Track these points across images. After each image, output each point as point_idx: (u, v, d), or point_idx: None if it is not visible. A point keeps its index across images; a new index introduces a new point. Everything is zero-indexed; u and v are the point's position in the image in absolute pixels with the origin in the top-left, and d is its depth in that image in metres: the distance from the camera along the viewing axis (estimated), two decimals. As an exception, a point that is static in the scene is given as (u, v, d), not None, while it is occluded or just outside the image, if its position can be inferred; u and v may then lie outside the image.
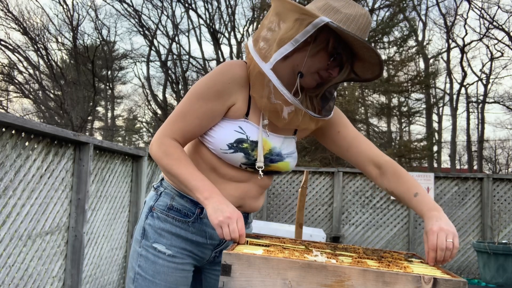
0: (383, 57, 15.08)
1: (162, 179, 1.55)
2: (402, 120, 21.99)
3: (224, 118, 1.41)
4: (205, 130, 1.42)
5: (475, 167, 23.57)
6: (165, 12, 23.11)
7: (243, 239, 1.27)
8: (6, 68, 21.10)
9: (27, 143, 2.93)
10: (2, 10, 19.62)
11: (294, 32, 1.27)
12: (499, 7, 22.45)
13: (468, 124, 23.41)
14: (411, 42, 17.58)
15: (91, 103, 22.30)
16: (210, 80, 1.38)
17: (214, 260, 1.57)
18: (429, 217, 1.31)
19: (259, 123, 1.43)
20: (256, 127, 1.42)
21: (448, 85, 23.02)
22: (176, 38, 23.45)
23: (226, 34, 22.07)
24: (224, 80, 1.36)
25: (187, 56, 23.48)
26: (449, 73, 22.56)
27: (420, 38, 20.88)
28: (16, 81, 21.51)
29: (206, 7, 21.81)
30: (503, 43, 21.87)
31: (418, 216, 7.42)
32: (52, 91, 21.86)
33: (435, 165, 22.01)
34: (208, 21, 22.10)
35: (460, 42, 22.56)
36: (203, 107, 1.36)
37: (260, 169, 1.42)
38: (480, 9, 22.21)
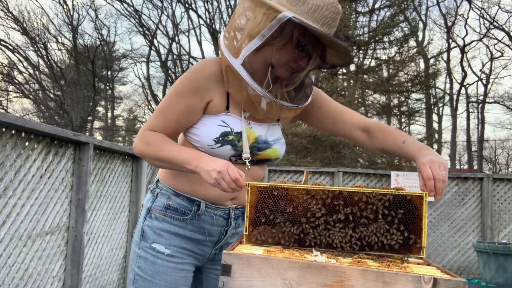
0: (384, 57, 15.07)
1: (158, 180, 1.57)
2: (402, 120, 21.98)
3: (205, 115, 1.44)
4: (185, 126, 1.45)
5: (475, 167, 23.57)
6: (165, 12, 23.14)
7: (241, 182, 1.28)
8: (6, 68, 21.10)
9: (27, 143, 2.93)
10: (2, 10, 19.61)
11: (261, 27, 1.31)
12: (499, 7, 22.44)
13: (468, 124, 23.43)
14: (412, 43, 17.60)
15: (91, 103, 22.30)
16: (186, 78, 1.42)
17: (215, 258, 1.57)
18: (419, 155, 1.33)
19: (241, 115, 1.46)
20: (238, 119, 1.45)
21: (448, 85, 23.05)
22: (176, 38, 23.47)
23: (226, 34, 22.05)
24: (200, 77, 1.41)
25: (187, 56, 23.50)
26: (449, 73, 22.56)
27: (420, 38, 20.88)
28: (16, 81, 21.52)
29: (206, 7, 21.85)
30: (503, 43, 21.88)
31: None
32: (52, 91, 21.86)
33: (435, 165, 21.93)
34: (208, 21, 22.11)
35: (460, 42, 22.58)
36: (181, 103, 1.40)
37: (246, 160, 1.45)
38: (480, 9, 22.23)
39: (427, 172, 1.25)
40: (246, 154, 1.44)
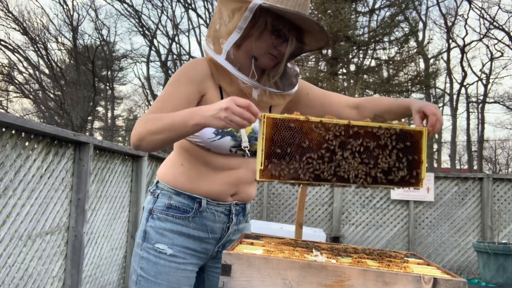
0: (384, 57, 15.07)
1: (157, 182, 1.58)
2: (402, 120, 21.96)
3: None
4: None
5: (475, 167, 23.57)
6: (165, 12, 23.13)
7: (254, 108, 1.22)
8: (6, 68, 21.10)
9: (27, 143, 2.93)
10: (2, 10, 19.62)
11: (236, 20, 1.39)
12: (499, 7, 22.46)
13: (468, 124, 23.42)
14: (412, 43, 17.58)
15: (91, 103, 22.29)
16: (181, 70, 1.48)
17: (217, 256, 1.59)
18: (415, 102, 1.41)
19: None
20: None
21: (448, 85, 23.03)
22: (176, 38, 23.48)
23: (226, 34, 22.05)
24: (194, 69, 1.46)
25: (187, 56, 23.50)
26: (449, 73, 22.55)
27: (420, 38, 20.87)
28: (16, 81, 21.52)
29: (206, 7, 21.84)
30: (503, 43, 21.89)
31: (418, 216, 7.41)
32: (52, 91, 21.86)
33: (435, 165, 22.02)
34: (208, 21, 22.10)
35: (460, 42, 22.58)
36: (178, 91, 1.44)
37: (246, 148, 1.47)
38: (480, 9, 22.25)
39: (431, 109, 1.32)
40: (245, 142, 1.47)
